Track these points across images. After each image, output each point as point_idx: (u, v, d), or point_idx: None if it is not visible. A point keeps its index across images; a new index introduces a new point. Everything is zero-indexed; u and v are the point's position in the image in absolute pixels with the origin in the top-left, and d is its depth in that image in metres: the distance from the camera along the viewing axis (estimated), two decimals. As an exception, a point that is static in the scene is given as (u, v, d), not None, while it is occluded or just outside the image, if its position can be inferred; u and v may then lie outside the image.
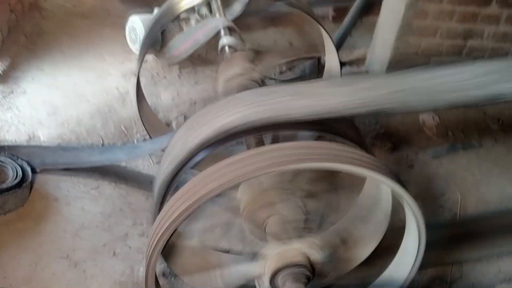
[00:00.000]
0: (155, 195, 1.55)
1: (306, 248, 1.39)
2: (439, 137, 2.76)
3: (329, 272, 1.45)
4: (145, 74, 3.06)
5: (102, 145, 2.54)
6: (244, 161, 1.24)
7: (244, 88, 2.26)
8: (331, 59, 2.60)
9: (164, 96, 2.96)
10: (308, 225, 1.52)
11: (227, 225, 1.60)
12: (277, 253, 1.38)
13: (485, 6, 2.64)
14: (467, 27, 2.71)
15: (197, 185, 1.25)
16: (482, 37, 2.77)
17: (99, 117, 2.66)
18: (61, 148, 2.28)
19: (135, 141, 2.65)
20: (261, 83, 2.32)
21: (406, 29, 2.68)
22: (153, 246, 1.28)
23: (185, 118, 2.84)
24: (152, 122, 2.51)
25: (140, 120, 2.43)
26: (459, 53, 2.84)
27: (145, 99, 2.57)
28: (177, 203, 1.25)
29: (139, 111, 2.38)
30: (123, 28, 3.51)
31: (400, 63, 2.81)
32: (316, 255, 1.39)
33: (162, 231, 1.25)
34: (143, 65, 3.13)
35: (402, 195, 1.29)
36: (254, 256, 1.42)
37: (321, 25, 2.53)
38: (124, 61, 3.17)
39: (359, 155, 1.27)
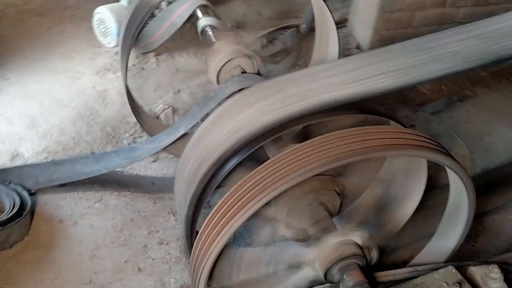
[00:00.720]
0: (182, 204, 1.43)
1: (347, 236, 1.31)
2: (434, 92, 2.73)
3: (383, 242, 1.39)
4: (119, 69, 2.85)
5: (91, 152, 2.37)
6: (323, 146, 1.12)
7: (241, 70, 2.14)
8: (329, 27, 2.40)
9: (146, 88, 2.78)
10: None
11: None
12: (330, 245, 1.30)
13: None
14: (449, -24, 2.65)
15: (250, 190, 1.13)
16: (464, -16, 2.73)
17: (82, 122, 2.47)
18: (53, 164, 2.11)
19: (125, 142, 2.49)
20: (256, 62, 2.20)
21: (390, -15, 2.59)
22: (201, 271, 1.17)
23: (173, 109, 2.69)
24: (146, 120, 2.35)
25: (137, 121, 2.27)
26: (443, 4, 2.79)
27: (135, 99, 2.39)
28: (227, 214, 1.13)
29: (134, 115, 2.21)
30: (85, 20, 3.28)
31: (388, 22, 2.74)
32: (360, 236, 1.32)
33: (211, 250, 1.14)
34: (115, 58, 2.94)
35: (454, 168, 1.23)
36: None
37: None
38: (94, 56, 2.94)
39: (420, 137, 1.20)
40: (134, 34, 1.92)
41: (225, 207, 1.15)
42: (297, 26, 3.15)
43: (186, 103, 2.72)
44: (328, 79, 1.30)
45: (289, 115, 1.23)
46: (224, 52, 2.13)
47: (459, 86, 2.74)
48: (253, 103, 1.28)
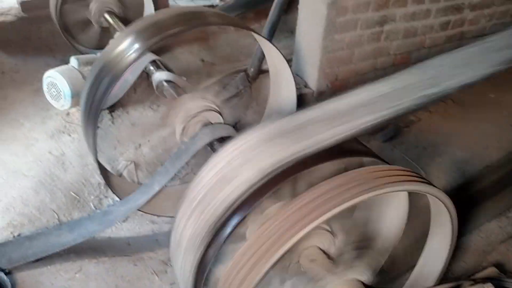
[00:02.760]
0: (184, 263, 1.40)
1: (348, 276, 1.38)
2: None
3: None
4: (74, 129, 2.79)
5: (58, 220, 2.29)
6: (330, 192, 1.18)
7: (208, 123, 2.18)
8: (282, 66, 2.50)
9: (104, 147, 2.73)
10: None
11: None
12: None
13: (394, -8, 2.84)
14: (382, 14, 2.90)
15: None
16: (395, 20, 2.99)
17: (44, 190, 2.38)
18: (26, 239, 2.00)
19: (91, 205, 2.42)
20: (221, 113, 2.25)
21: (330, 28, 2.77)
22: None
23: (135, 164, 2.67)
24: (113, 182, 2.30)
25: (108, 187, 2.21)
26: (378, 40, 3.03)
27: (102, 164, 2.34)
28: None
29: (105, 181, 2.17)
30: (26, 84, 3.20)
31: (331, 61, 2.92)
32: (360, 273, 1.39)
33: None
34: (67, 119, 2.88)
35: (438, 196, 1.35)
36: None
37: (264, 37, 2.41)
38: (45, 120, 2.86)
39: (403, 171, 1.30)
40: (102, 98, 1.90)
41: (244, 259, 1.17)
42: (245, 70, 3.26)
43: (148, 157, 2.71)
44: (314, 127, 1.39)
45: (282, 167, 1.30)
46: (190, 107, 2.17)
47: (403, 112, 2.96)
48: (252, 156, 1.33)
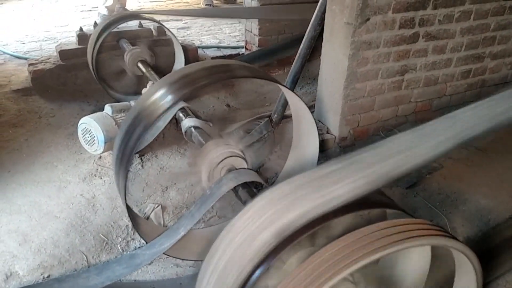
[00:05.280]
0: None
1: None
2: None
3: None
4: (105, 173, 2.92)
5: (87, 262, 2.36)
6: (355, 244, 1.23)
7: (232, 167, 2.26)
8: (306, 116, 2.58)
9: (133, 189, 2.83)
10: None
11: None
12: None
13: (414, 43, 2.93)
14: (402, 64, 2.99)
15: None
16: (415, 69, 3.06)
17: (74, 232, 2.47)
18: (55, 281, 2.07)
19: (118, 247, 2.50)
20: (246, 159, 2.33)
21: (352, 77, 2.87)
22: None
23: (162, 207, 2.75)
24: (141, 225, 2.38)
25: (135, 230, 2.29)
26: (399, 88, 3.11)
27: (132, 209, 2.43)
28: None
29: (133, 225, 2.24)
30: (61, 127, 3.37)
31: (352, 108, 3.00)
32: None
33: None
34: (99, 162, 3.00)
35: (462, 250, 1.37)
36: None
37: (287, 88, 2.52)
38: (77, 163, 2.99)
39: (427, 225, 1.34)
40: (135, 144, 2.01)
41: None
42: (269, 116, 3.36)
43: (175, 200, 2.79)
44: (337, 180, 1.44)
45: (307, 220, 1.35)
46: (215, 153, 2.25)
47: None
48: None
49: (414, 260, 1.66)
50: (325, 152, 3.12)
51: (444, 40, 3.04)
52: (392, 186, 2.83)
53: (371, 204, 1.46)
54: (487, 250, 2.26)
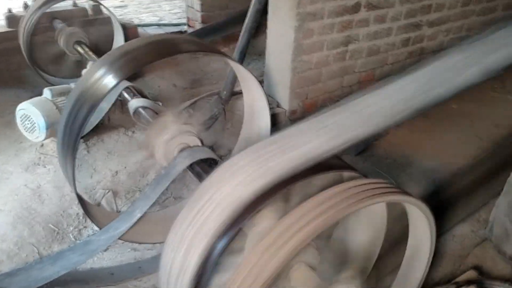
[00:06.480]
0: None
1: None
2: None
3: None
4: (49, 161, 2.78)
5: (38, 254, 2.25)
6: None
7: (186, 146, 2.22)
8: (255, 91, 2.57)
9: (80, 176, 2.72)
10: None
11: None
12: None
13: (356, 13, 2.98)
14: (346, 34, 3.03)
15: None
16: (358, 40, 3.13)
17: (22, 225, 2.35)
18: (6, 276, 1.96)
19: (70, 236, 2.40)
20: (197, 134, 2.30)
21: (298, 50, 2.88)
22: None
23: (113, 192, 2.66)
24: (94, 213, 2.29)
25: (87, 217, 2.20)
26: (343, 59, 3.16)
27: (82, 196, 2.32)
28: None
29: (86, 214, 2.16)
30: (-3, 117, 3.16)
31: (301, 81, 3.02)
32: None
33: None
34: (42, 151, 2.86)
35: (416, 204, 1.43)
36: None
37: (235, 61, 2.48)
38: (18, 153, 2.83)
39: (382, 184, 1.38)
40: (80, 128, 1.91)
41: None
42: (218, 93, 3.32)
43: (126, 184, 2.71)
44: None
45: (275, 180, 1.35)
46: (168, 132, 2.20)
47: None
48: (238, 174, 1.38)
49: (371, 220, 1.71)
50: (276, 126, 3.14)
51: (384, 9, 3.11)
52: (341, 154, 2.89)
53: (330, 167, 1.49)
54: (434, 207, 2.38)
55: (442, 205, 2.38)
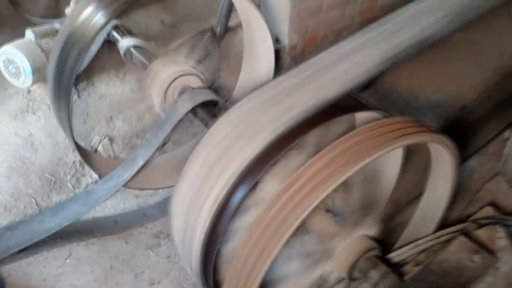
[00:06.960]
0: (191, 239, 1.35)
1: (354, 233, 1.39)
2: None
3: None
4: (38, 107, 2.61)
5: (37, 205, 2.18)
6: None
7: (186, 87, 2.09)
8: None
9: (73, 122, 2.57)
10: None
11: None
12: (343, 248, 1.36)
13: None
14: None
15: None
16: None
17: (16, 175, 2.25)
18: (6, 229, 1.89)
19: (69, 185, 2.32)
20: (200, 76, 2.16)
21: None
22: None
23: (110, 138, 2.55)
24: (92, 159, 2.19)
25: (85, 164, 2.10)
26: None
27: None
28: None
29: (84, 160, 2.05)
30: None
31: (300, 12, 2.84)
32: (366, 228, 1.41)
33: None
34: (29, 97, 2.69)
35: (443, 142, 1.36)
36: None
37: None
38: (4, 100, 2.66)
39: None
40: (73, 71, 1.76)
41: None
42: (211, 29, 3.12)
43: (122, 130, 2.60)
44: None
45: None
46: (165, 73, 2.06)
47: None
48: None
49: (388, 161, 1.65)
50: (276, 63, 2.98)
51: None
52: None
53: (348, 108, 1.40)
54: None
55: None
